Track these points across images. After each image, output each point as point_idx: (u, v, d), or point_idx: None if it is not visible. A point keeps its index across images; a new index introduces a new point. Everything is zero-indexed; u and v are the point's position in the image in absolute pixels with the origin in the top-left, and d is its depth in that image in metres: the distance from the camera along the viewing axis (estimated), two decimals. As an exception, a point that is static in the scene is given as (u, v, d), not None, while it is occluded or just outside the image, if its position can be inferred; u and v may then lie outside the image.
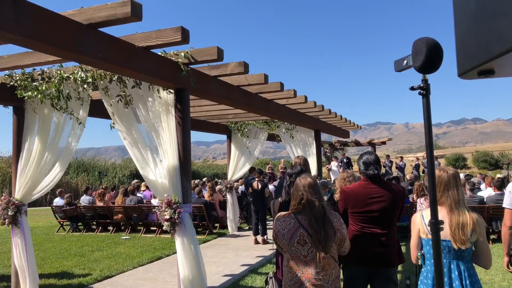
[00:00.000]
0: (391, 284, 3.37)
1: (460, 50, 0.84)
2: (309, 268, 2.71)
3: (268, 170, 20.12)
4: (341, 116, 11.27)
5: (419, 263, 2.97)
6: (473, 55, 0.78)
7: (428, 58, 1.46)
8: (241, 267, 6.99)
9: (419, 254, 2.90)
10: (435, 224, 1.46)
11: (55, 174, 5.25)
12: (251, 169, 10.79)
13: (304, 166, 4.82)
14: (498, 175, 13.44)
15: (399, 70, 1.63)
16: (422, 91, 1.53)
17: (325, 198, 5.52)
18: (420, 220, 2.87)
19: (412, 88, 1.56)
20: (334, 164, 17.69)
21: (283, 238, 2.78)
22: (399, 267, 6.49)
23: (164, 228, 4.71)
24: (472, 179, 9.79)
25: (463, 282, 2.73)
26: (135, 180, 14.58)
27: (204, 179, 15.86)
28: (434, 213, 1.48)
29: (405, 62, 1.58)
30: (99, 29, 3.64)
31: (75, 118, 5.10)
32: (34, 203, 19.48)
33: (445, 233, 2.74)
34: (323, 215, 2.73)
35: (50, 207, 12.57)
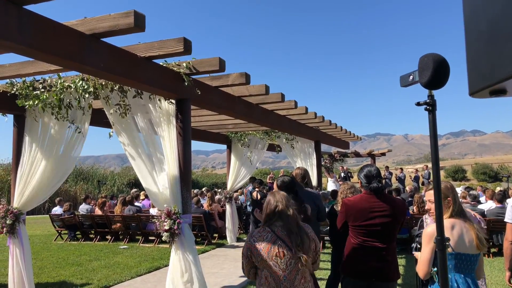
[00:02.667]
0: None
1: (472, 70, 0.83)
2: (287, 283, 2.67)
3: (269, 180, 20.07)
4: (341, 127, 11.28)
5: (435, 279, 2.84)
6: (485, 75, 0.78)
7: (435, 74, 1.45)
8: (240, 278, 6.93)
9: (434, 269, 2.80)
10: (441, 241, 1.44)
11: (54, 183, 5.22)
12: (251, 179, 10.77)
13: (305, 177, 4.81)
14: (499, 188, 13.41)
15: (405, 85, 1.62)
16: (428, 107, 1.53)
17: (326, 209, 5.50)
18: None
19: (418, 104, 1.55)
20: (330, 180, 17.33)
21: (259, 254, 2.70)
22: (399, 280, 6.44)
23: (163, 238, 4.67)
24: (472, 192, 9.75)
25: None
26: (134, 189, 14.54)
27: (203, 189, 15.81)
28: (439, 230, 1.46)
29: (411, 77, 1.57)
30: (102, 39, 3.65)
31: (76, 127, 5.09)
32: (32, 211, 19.39)
33: (465, 246, 2.71)
34: (297, 222, 2.75)
35: (48, 215, 12.49)
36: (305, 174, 4.82)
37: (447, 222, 2.65)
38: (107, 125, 5.05)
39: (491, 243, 8.28)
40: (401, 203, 3.43)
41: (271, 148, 12.34)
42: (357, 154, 19.75)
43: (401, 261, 7.68)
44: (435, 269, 2.78)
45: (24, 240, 5.23)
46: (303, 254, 2.65)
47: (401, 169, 21.99)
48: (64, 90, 4.91)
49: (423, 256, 2.81)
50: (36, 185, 5.13)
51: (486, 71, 0.77)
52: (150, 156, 4.81)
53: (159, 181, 4.72)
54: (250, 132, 10.66)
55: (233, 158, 10.82)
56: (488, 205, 9.03)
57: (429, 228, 2.83)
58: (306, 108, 7.93)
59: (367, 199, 3.32)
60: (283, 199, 2.81)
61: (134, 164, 4.85)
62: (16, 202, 5.20)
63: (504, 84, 0.75)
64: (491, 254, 8.14)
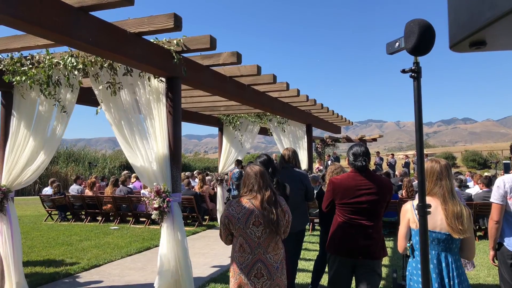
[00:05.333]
0: (376, 275, 3.39)
1: (453, 20, 0.82)
2: (261, 249, 2.90)
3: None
4: (333, 111, 11.29)
5: (408, 254, 2.97)
6: (465, 24, 0.77)
7: (420, 39, 1.44)
8: (229, 258, 6.98)
9: (408, 244, 2.90)
10: (423, 208, 1.46)
11: (40, 162, 5.16)
12: (238, 162, 10.80)
13: (293, 158, 4.82)
14: (486, 174, 13.60)
15: (391, 52, 1.61)
16: (413, 74, 1.52)
17: (315, 191, 5.54)
18: (411, 210, 2.86)
19: (404, 71, 1.55)
20: (321, 168, 17.32)
21: (237, 222, 2.91)
22: (386, 261, 6.55)
23: (152, 217, 4.67)
24: (460, 176, 9.88)
25: (450, 274, 2.74)
26: (126, 171, 14.48)
27: (194, 172, 15.81)
28: (422, 196, 1.48)
29: (397, 44, 1.56)
30: (90, 13, 3.59)
31: (61, 106, 5.02)
32: (22, 192, 19.31)
33: (434, 225, 2.75)
34: (274, 200, 2.93)
35: (38, 196, 12.44)
36: (293, 154, 4.82)
37: None
38: (95, 103, 4.99)
39: (477, 227, 8.42)
40: (387, 182, 3.46)
41: (263, 131, 12.33)
42: (348, 139, 19.85)
43: (390, 243, 7.80)
44: (409, 244, 2.87)
45: (12, 217, 5.20)
46: (277, 229, 2.89)
47: (392, 154, 22.21)
48: (53, 66, 4.84)
49: (400, 232, 2.95)
50: (23, 163, 5.08)
51: (466, 20, 0.76)
52: (139, 134, 4.77)
53: (147, 160, 4.70)
54: (242, 114, 10.62)
55: (224, 141, 10.81)
56: (475, 189, 9.16)
57: (405, 205, 2.92)
58: (298, 91, 7.90)
59: (353, 177, 3.34)
60: (262, 175, 2.99)
61: (121, 142, 4.79)
62: (4, 180, 5.15)
63: (483, 34, 0.74)
64: (477, 237, 8.28)
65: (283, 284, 2.96)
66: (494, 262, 3.75)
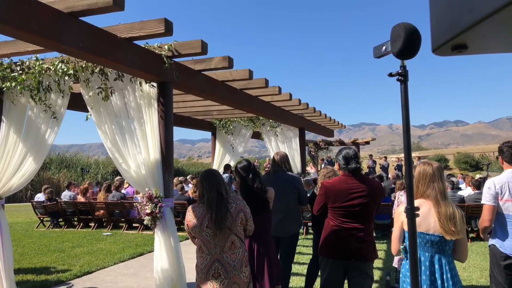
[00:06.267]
0: (368, 278, 3.41)
1: (435, 24, 0.84)
2: (217, 249, 3.04)
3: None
4: (325, 114, 11.33)
5: (401, 256, 2.99)
6: (446, 28, 0.78)
7: (406, 43, 1.45)
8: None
9: (401, 247, 2.91)
10: (411, 210, 1.47)
11: (30, 168, 5.11)
12: (227, 166, 10.78)
13: (283, 162, 4.81)
14: (478, 175, 13.71)
15: (377, 56, 1.63)
16: (400, 77, 1.53)
17: (308, 195, 5.54)
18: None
19: (391, 75, 1.56)
20: (311, 171, 17.23)
21: (194, 226, 3.07)
22: (380, 263, 6.56)
23: (145, 222, 4.65)
24: (452, 179, 9.95)
25: (444, 276, 2.76)
26: (118, 177, 14.40)
27: (188, 176, 15.76)
28: (410, 199, 1.49)
29: (383, 48, 1.57)
30: (80, 18, 3.58)
31: (52, 112, 4.98)
32: (14, 199, 19.11)
33: (428, 227, 2.76)
34: (218, 201, 3.04)
35: (30, 203, 12.32)
36: (283, 158, 4.81)
37: (415, 202, 2.71)
38: (85, 109, 4.96)
39: (469, 228, 8.47)
40: (378, 184, 3.48)
41: (256, 135, 12.33)
42: (341, 143, 19.92)
43: (383, 246, 7.82)
44: (402, 246, 2.89)
45: (3, 224, 5.14)
46: (219, 228, 2.99)
47: (385, 157, 22.29)
48: (43, 72, 4.81)
49: (393, 234, 2.96)
50: (13, 170, 5.03)
51: (447, 24, 0.77)
52: (130, 139, 4.74)
53: (138, 165, 4.67)
54: (235, 119, 10.62)
55: (217, 145, 10.81)
56: (467, 191, 9.22)
57: (399, 208, 2.93)
58: (290, 95, 7.92)
59: (345, 180, 3.35)
60: (207, 180, 3.15)
61: (110, 147, 4.75)
62: (-6, 187, 5.10)
63: (464, 38, 0.75)
64: (469, 239, 8.32)
65: (243, 282, 3.07)
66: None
